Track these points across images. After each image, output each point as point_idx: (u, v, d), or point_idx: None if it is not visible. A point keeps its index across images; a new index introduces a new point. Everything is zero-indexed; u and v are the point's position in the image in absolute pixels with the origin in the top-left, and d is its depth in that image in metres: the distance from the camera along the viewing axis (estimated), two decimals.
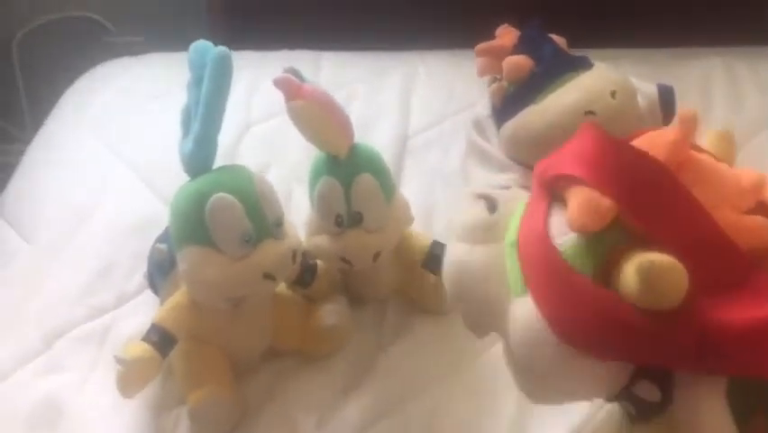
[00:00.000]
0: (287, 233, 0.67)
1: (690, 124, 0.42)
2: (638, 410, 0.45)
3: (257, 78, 1.12)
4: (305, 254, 0.74)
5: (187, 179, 0.67)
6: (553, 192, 0.43)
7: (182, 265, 0.64)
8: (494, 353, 0.74)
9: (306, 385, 0.73)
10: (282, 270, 0.66)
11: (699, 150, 0.45)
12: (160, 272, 0.72)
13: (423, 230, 0.88)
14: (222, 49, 0.65)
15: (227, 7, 1.37)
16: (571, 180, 0.42)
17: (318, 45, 1.19)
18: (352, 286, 0.79)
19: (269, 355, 0.75)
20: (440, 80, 1.10)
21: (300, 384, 0.74)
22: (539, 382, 0.45)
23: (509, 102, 0.80)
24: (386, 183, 0.71)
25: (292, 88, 0.63)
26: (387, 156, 0.98)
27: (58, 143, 1.05)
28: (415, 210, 0.90)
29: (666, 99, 0.81)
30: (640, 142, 0.43)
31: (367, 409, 0.71)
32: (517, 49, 0.80)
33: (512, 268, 0.45)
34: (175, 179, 0.68)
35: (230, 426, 0.69)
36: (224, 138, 1.00)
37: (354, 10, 1.25)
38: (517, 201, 0.47)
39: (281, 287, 0.75)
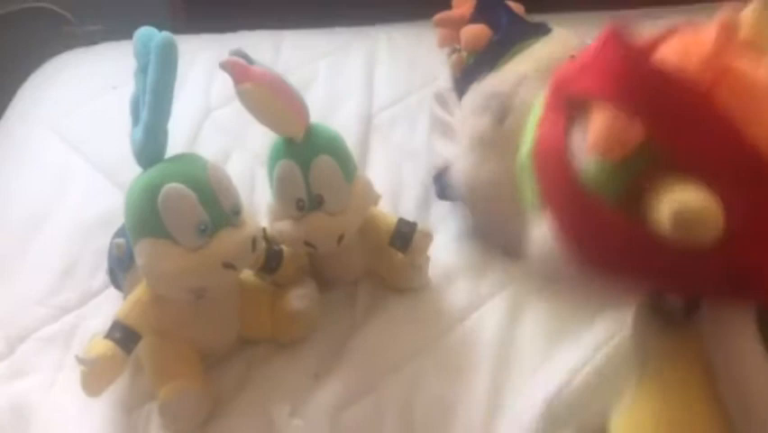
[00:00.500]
0: (245, 220, 0.65)
1: (728, 33, 0.37)
2: (662, 316, 0.43)
3: (216, 61, 1.09)
4: (269, 240, 0.73)
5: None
6: (573, 105, 0.39)
7: (139, 259, 0.63)
8: (467, 326, 0.75)
9: (278, 372, 0.72)
10: (242, 258, 0.64)
11: (740, 51, 0.38)
12: (121, 268, 0.70)
13: (391, 208, 0.88)
14: (165, 35, 0.63)
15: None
16: (594, 96, 0.38)
17: (280, 26, 1.17)
18: (320, 269, 0.78)
19: (240, 344, 0.74)
20: (403, 54, 1.08)
21: (273, 372, 0.72)
22: (562, 288, 0.45)
23: (469, 73, 0.78)
24: (345, 164, 0.69)
25: (240, 71, 0.62)
26: (352, 135, 0.98)
27: (14, 140, 1.03)
28: (382, 188, 0.89)
29: None
30: (673, 50, 0.37)
31: (341, 392, 0.70)
32: (474, 18, 0.78)
33: (528, 183, 0.42)
34: (138, 170, 0.66)
35: (201, 418, 0.67)
36: (185, 124, 1.00)
37: None
38: (532, 105, 0.43)
39: (248, 274, 0.74)
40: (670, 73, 0.35)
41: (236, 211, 0.64)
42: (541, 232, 0.41)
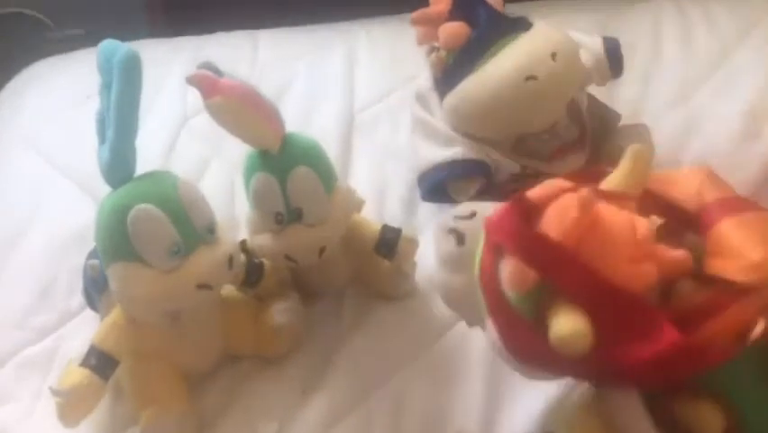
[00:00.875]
0: (220, 238, 0.63)
1: (586, 207, 0.50)
2: None
3: (193, 66, 1.07)
4: (250, 253, 0.71)
5: None
6: (497, 248, 0.53)
7: (112, 283, 0.61)
8: (456, 331, 0.73)
9: (264, 389, 0.70)
10: (217, 278, 0.62)
11: (608, 196, 0.54)
12: (96, 289, 0.68)
13: (376, 210, 0.86)
14: (127, 49, 0.60)
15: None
16: (504, 247, 0.52)
17: (258, 24, 1.14)
18: (304, 280, 0.76)
19: (225, 361, 0.72)
20: (384, 50, 1.06)
21: (259, 388, 0.71)
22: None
23: (449, 72, 0.76)
24: (325, 174, 0.67)
25: (208, 85, 0.59)
26: (334, 136, 0.96)
27: None
28: (367, 189, 0.88)
29: (613, 54, 0.77)
30: (554, 213, 0.51)
31: (329, 407, 0.68)
32: (452, 14, 0.76)
33: (480, 296, 0.54)
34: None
35: None
36: (161, 133, 0.98)
37: None
38: (480, 234, 0.55)
39: (230, 289, 0.72)
40: (548, 238, 0.50)
41: (210, 229, 0.62)
42: (492, 333, 0.53)
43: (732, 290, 0.51)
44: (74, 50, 1.20)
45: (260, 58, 1.06)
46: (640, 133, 0.81)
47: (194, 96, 1.00)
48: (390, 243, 0.72)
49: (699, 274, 0.53)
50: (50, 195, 0.92)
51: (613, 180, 0.56)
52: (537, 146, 0.76)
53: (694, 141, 0.88)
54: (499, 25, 0.74)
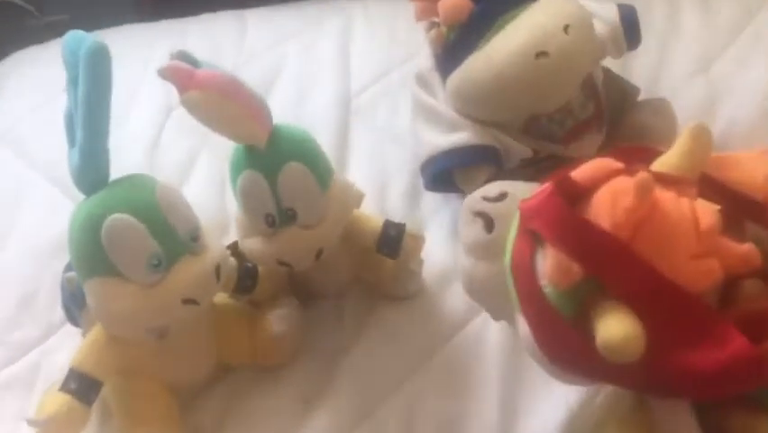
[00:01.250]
0: (206, 245, 0.57)
1: (645, 193, 0.45)
2: None
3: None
4: (241, 257, 0.65)
5: None
6: (534, 236, 0.48)
7: (89, 299, 0.56)
8: (468, 331, 0.68)
9: (264, 401, 0.66)
10: (204, 291, 0.57)
11: (665, 180, 0.48)
12: (76, 305, 0.63)
13: (378, 201, 0.80)
14: (93, 41, 0.54)
15: None
16: (544, 237, 0.47)
17: (248, 2, 1.07)
18: (302, 283, 0.70)
19: (220, 373, 0.67)
20: (380, 27, 0.99)
21: (257, 401, 0.66)
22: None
23: (451, 50, 0.70)
24: (319, 169, 0.61)
25: (183, 78, 0.53)
26: (329, 123, 0.90)
27: None
28: (367, 180, 0.82)
29: (629, 23, 0.70)
30: (604, 198, 0.46)
31: (335, 419, 0.64)
32: None
33: (511, 288, 0.50)
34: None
35: None
36: (145, 126, 0.92)
37: None
38: (512, 218, 0.51)
39: (223, 296, 0.66)
40: (598, 228, 0.45)
41: (194, 236, 0.56)
42: (524, 329, 0.49)
43: None
44: (59, 36, 1.14)
45: (248, 40, 0.99)
46: (662, 107, 0.75)
47: None
48: (393, 240, 0.67)
49: (765, 274, 0.48)
50: (30, 198, 0.87)
51: (668, 161, 0.50)
52: (550, 127, 0.70)
53: (718, 111, 0.82)
54: None
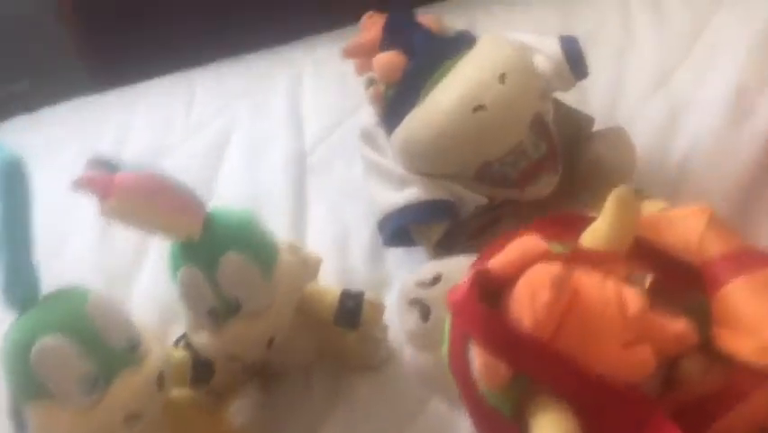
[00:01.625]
0: (147, 352, 0.54)
1: (560, 288, 0.43)
2: None
3: (128, 120, 0.99)
4: (193, 349, 0.62)
5: None
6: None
7: (30, 424, 0.53)
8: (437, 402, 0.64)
9: None
10: (148, 404, 0.53)
11: (591, 259, 0.47)
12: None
13: (339, 260, 0.77)
14: (6, 154, 0.51)
15: (94, 46, 1.23)
16: (470, 336, 0.46)
17: (197, 61, 1.05)
18: (265, 361, 0.67)
19: None
20: (330, 74, 0.96)
21: None
22: None
23: (391, 107, 0.67)
24: (260, 254, 0.58)
25: (100, 187, 0.50)
26: (285, 182, 0.87)
27: None
28: (328, 235, 0.80)
29: (572, 54, 0.68)
30: (521, 297, 0.44)
31: None
32: (385, 43, 0.66)
33: (451, 378, 0.49)
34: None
35: None
36: (95, 210, 0.89)
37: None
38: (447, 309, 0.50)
39: (177, 392, 0.63)
40: (517, 328, 0.44)
41: (133, 345, 0.54)
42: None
43: (749, 372, 0.44)
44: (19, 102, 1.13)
45: (197, 106, 0.97)
46: (618, 138, 0.72)
47: (131, 153, 0.93)
48: (351, 313, 0.64)
49: (706, 344, 0.45)
50: None
51: (595, 234, 0.48)
52: (503, 171, 0.67)
53: (681, 127, 0.79)
54: (438, 48, 0.65)
